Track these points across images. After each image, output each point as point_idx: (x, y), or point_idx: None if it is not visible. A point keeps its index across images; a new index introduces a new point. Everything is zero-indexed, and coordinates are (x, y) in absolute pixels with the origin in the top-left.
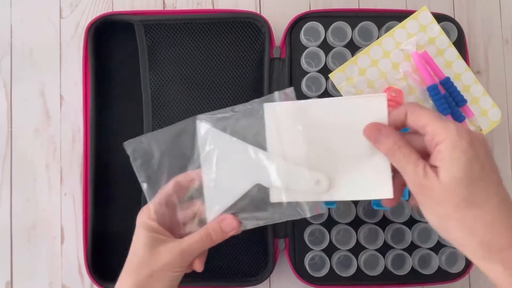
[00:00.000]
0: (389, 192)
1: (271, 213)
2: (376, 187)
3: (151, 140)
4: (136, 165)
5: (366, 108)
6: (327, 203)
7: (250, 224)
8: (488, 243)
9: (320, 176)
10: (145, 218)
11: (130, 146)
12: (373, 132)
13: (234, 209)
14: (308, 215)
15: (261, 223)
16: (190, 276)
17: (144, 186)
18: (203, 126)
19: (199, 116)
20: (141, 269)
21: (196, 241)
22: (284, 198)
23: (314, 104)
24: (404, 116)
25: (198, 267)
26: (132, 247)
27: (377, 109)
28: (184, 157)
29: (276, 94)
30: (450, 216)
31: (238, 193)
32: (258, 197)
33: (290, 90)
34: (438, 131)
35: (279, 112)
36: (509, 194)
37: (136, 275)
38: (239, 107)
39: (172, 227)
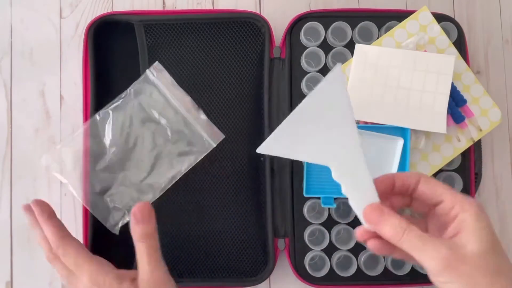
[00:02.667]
0: (443, 128)
1: None
2: (432, 122)
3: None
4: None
5: (435, 62)
6: (327, 203)
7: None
8: None
9: None
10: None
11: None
12: (375, 214)
13: None
14: None
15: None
16: (190, 277)
17: None
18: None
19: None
20: None
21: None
22: None
23: (397, 52)
24: (415, 183)
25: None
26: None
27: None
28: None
29: (148, 71)
30: (482, 286)
31: None
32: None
33: (157, 63)
34: (458, 201)
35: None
36: None
37: None
38: (125, 93)
39: None
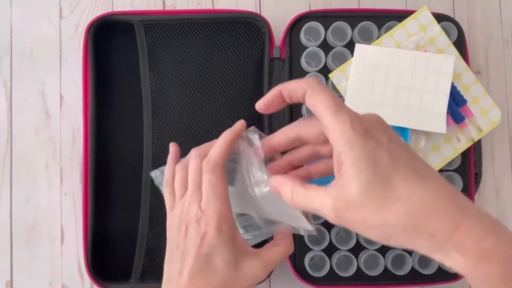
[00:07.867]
0: (443, 128)
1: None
2: (432, 122)
3: None
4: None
5: (435, 62)
6: None
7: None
8: (433, 235)
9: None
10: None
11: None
12: (274, 187)
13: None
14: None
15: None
16: None
17: None
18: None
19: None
20: None
21: (277, 252)
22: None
23: (397, 52)
24: (302, 95)
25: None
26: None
27: (444, 66)
28: None
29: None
30: (384, 224)
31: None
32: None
33: None
34: (330, 127)
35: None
36: (434, 173)
37: None
38: None
39: None
